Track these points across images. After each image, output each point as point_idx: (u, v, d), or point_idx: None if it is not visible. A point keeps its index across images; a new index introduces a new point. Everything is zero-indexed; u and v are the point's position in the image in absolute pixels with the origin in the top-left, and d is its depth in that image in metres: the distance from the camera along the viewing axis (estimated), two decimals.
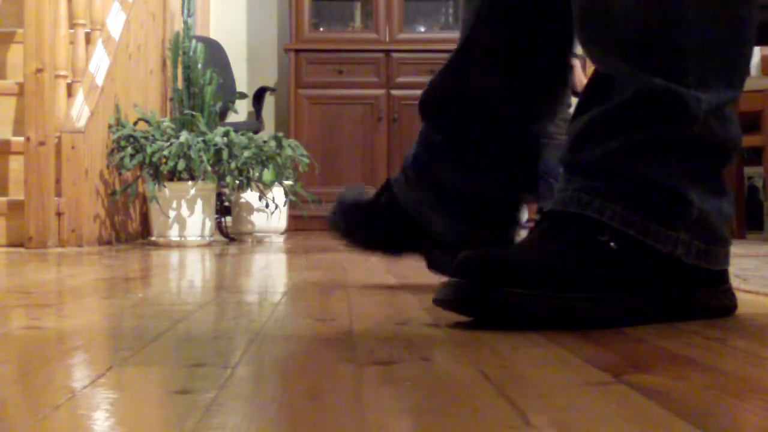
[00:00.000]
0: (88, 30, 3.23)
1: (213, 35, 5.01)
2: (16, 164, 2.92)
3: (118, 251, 2.56)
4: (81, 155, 2.93)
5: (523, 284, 0.84)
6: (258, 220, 3.34)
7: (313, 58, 4.90)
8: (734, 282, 1.30)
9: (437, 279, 1.51)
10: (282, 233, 3.48)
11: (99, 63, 3.17)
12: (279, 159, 3.14)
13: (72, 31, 3.10)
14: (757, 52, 4.45)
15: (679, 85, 0.89)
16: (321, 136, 4.85)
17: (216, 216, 3.39)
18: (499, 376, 0.62)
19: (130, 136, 2.92)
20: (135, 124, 3.07)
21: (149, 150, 2.84)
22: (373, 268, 1.74)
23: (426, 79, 5.19)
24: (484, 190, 1.22)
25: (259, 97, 4.95)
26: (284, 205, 3.33)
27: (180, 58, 3.32)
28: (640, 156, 0.92)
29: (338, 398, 0.56)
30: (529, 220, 5.76)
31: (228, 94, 4.03)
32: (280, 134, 3.27)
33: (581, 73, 5.94)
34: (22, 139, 2.84)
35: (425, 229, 1.23)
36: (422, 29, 5.08)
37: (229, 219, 3.49)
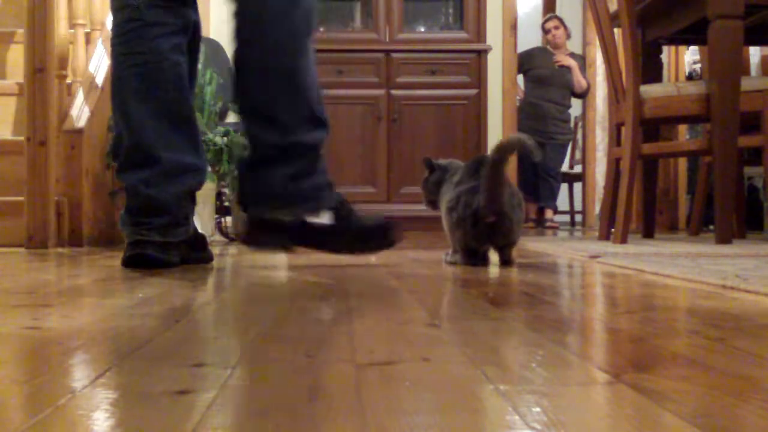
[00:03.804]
0: (88, 30, 3.23)
1: (213, 35, 5.01)
2: (16, 164, 2.92)
3: (118, 251, 2.56)
4: (81, 155, 2.93)
5: None
6: None
7: None
8: (734, 282, 1.30)
9: (437, 280, 1.51)
10: None
11: (99, 63, 3.18)
12: None
13: (72, 31, 3.10)
14: (757, 52, 4.44)
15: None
16: None
17: (216, 216, 3.40)
18: (499, 376, 0.62)
19: None
20: None
21: None
22: (374, 268, 1.74)
23: (426, 79, 5.18)
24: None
25: None
26: None
27: None
28: None
29: (338, 398, 0.56)
30: (545, 220, 5.73)
31: (228, 94, 4.02)
32: None
33: (580, 74, 5.93)
34: (22, 139, 2.84)
35: None
36: (422, 29, 5.08)
37: (229, 219, 3.49)
